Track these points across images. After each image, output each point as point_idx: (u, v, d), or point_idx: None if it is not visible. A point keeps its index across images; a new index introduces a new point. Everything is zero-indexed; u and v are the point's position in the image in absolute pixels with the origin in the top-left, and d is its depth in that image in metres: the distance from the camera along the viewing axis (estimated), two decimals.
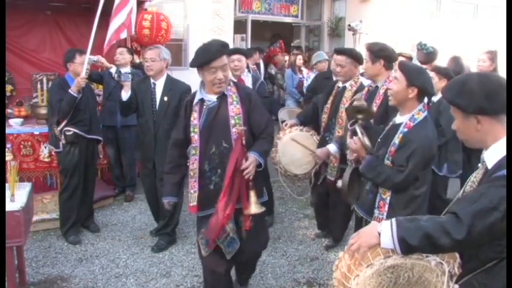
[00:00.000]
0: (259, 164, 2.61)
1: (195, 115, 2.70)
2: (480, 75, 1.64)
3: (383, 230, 1.56)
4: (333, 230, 4.09)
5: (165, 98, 3.76)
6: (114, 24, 4.06)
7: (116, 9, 4.04)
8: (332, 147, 3.65)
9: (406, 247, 1.52)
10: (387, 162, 2.52)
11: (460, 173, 5.46)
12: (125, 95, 3.77)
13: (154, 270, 3.61)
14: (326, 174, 3.83)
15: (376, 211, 2.57)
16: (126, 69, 3.91)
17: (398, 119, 2.58)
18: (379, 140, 2.69)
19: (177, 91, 3.79)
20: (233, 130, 2.62)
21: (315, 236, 4.27)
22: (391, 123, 2.65)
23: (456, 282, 1.61)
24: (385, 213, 2.52)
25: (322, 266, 3.73)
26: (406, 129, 2.46)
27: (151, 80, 3.82)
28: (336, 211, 3.97)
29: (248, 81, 4.34)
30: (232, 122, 2.63)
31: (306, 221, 4.65)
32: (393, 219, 1.57)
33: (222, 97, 2.68)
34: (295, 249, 4.02)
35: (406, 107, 2.51)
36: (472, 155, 4.92)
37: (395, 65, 3.57)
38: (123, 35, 4.22)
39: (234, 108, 2.64)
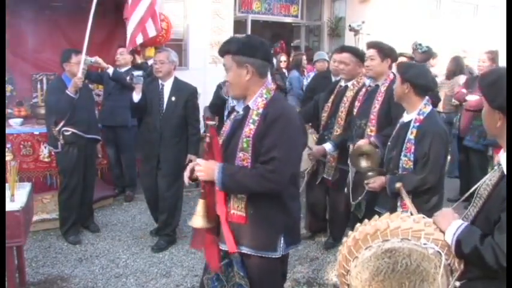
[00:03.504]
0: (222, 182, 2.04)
1: (226, 124, 2.26)
2: None
3: (452, 225, 1.62)
4: (333, 230, 4.09)
5: (173, 98, 3.86)
6: (132, 23, 4.18)
7: (131, 7, 4.14)
8: (328, 146, 3.65)
9: (459, 250, 1.57)
10: (404, 159, 2.58)
11: (457, 174, 5.43)
12: (136, 97, 3.86)
13: (154, 270, 3.61)
14: (324, 174, 3.84)
15: (399, 209, 2.61)
16: (139, 72, 4.03)
17: (406, 117, 2.68)
18: (388, 143, 2.77)
19: (184, 92, 3.90)
20: (239, 155, 2.07)
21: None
22: (398, 124, 2.73)
23: (459, 280, 1.60)
24: (408, 211, 2.55)
25: (322, 266, 3.73)
26: (417, 124, 2.57)
27: (160, 81, 3.91)
28: (336, 211, 3.98)
29: None
30: (240, 145, 2.07)
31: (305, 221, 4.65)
32: (466, 223, 1.61)
33: (247, 110, 2.13)
34: (295, 249, 4.00)
35: (410, 104, 2.63)
36: (471, 155, 4.93)
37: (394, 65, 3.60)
38: (139, 40, 4.36)
39: (247, 128, 2.07)
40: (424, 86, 2.59)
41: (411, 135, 2.56)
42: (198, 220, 2.12)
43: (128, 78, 4.16)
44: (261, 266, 2.14)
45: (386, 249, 1.62)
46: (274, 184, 2.01)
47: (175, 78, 3.95)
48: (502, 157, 1.60)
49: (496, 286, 1.54)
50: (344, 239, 1.77)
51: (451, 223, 1.63)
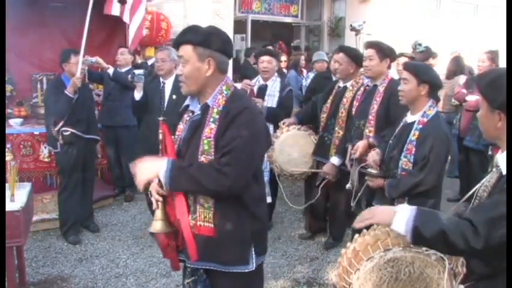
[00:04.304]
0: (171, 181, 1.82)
1: (180, 126, 2.05)
2: None
3: (400, 212, 1.55)
4: (333, 230, 4.09)
5: (174, 97, 3.88)
6: (134, 25, 4.28)
7: (132, 8, 4.25)
8: (335, 160, 3.66)
9: (418, 237, 1.50)
10: (404, 160, 2.57)
11: (457, 174, 5.42)
12: (138, 95, 3.92)
13: (154, 270, 3.61)
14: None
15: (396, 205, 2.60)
16: (140, 71, 4.09)
17: (410, 118, 2.66)
18: (390, 141, 2.75)
19: None
20: (201, 159, 1.85)
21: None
22: (402, 123, 2.71)
23: (462, 283, 1.60)
24: None
25: (322, 266, 3.73)
26: (420, 126, 2.55)
27: (161, 80, 3.97)
28: (336, 211, 3.98)
29: (275, 87, 4.13)
30: (201, 147, 1.86)
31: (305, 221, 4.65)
32: (414, 207, 1.56)
33: (206, 108, 1.91)
34: (295, 249, 4.02)
35: (417, 105, 2.61)
36: (471, 155, 4.93)
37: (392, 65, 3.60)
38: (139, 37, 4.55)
39: (207, 128, 1.86)
40: (439, 86, 2.68)
41: (413, 137, 2.55)
42: (157, 224, 1.91)
43: (129, 76, 4.21)
44: (234, 283, 1.92)
45: (389, 258, 1.61)
46: (231, 180, 1.77)
47: (177, 77, 3.95)
48: (499, 158, 1.58)
49: (494, 286, 1.54)
50: (343, 251, 1.74)
51: (395, 209, 1.57)
